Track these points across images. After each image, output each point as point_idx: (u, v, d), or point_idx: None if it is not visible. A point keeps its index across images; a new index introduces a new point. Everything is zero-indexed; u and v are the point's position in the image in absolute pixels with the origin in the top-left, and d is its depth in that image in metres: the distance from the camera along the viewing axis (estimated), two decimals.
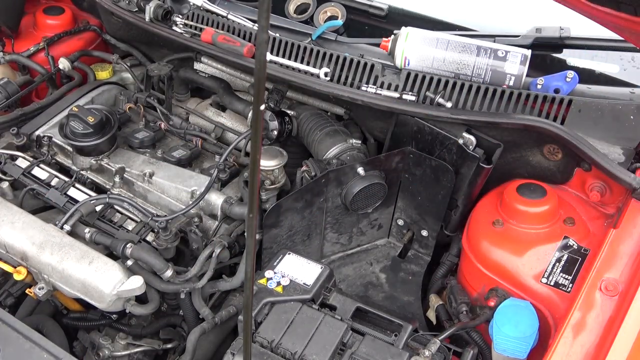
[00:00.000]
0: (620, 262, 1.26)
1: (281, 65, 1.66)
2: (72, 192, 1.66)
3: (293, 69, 1.64)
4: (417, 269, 1.71)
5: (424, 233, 1.69)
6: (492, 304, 1.37)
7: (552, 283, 1.33)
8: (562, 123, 1.43)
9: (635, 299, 1.17)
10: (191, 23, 1.80)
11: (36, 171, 1.70)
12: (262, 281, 1.36)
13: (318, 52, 1.65)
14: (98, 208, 1.60)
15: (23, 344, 1.30)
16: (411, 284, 1.68)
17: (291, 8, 1.93)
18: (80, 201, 1.57)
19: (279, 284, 1.35)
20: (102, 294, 1.42)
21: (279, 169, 1.63)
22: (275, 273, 1.38)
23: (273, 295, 1.33)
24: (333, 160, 1.62)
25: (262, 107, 0.72)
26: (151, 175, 1.69)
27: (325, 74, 1.61)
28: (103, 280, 1.41)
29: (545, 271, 1.34)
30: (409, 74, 1.56)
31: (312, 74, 1.63)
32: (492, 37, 1.66)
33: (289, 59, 1.67)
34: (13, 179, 1.69)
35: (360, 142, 1.68)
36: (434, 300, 1.55)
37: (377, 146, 1.79)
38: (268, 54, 1.66)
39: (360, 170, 1.56)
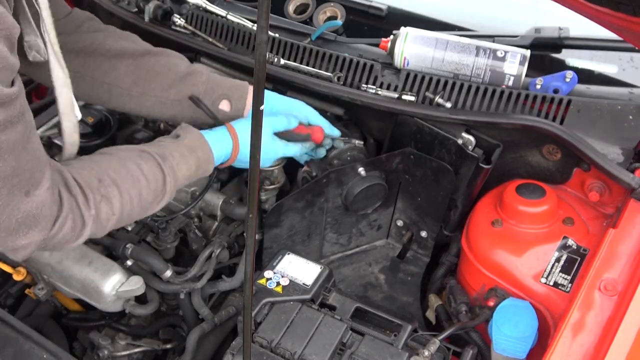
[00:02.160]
0: (619, 262, 1.26)
1: (294, 69, 1.65)
2: None
3: (299, 71, 1.64)
4: (416, 270, 1.72)
5: (423, 234, 1.70)
6: (491, 304, 1.37)
7: (551, 283, 1.33)
8: (561, 123, 1.43)
9: (635, 299, 1.17)
10: (190, 28, 1.80)
11: None
12: (262, 281, 1.36)
13: (317, 52, 1.65)
14: None
15: (23, 344, 1.31)
16: (410, 285, 1.68)
17: (290, 8, 1.93)
18: None
19: (278, 284, 1.35)
20: (101, 294, 1.42)
21: (278, 169, 1.63)
22: (274, 273, 1.38)
23: (272, 295, 1.33)
24: (334, 161, 1.62)
25: (262, 107, 0.72)
26: None
27: (338, 78, 1.61)
28: (102, 281, 1.42)
29: (545, 271, 1.34)
30: (408, 74, 1.56)
31: (311, 75, 1.64)
32: (491, 37, 1.66)
33: (288, 59, 1.67)
34: None
35: (362, 142, 1.68)
36: (433, 301, 1.55)
37: (377, 146, 1.79)
38: (280, 58, 1.66)
39: (361, 170, 1.56)
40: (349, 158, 1.64)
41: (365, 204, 1.64)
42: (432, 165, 1.54)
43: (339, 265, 1.74)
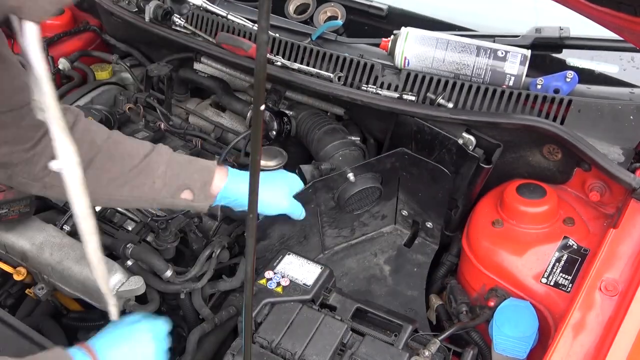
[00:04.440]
0: (619, 262, 1.26)
1: (295, 69, 1.65)
2: None
3: (299, 71, 1.64)
4: (424, 259, 1.68)
5: (429, 225, 1.68)
6: (491, 304, 1.37)
7: (551, 283, 1.33)
8: (561, 123, 1.43)
9: (635, 299, 1.17)
10: (190, 28, 1.80)
11: None
12: (262, 282, 1.36)
13: (318, 52, 1.65)
14: (98, 208, 1.60)
15: (23, 344, 1.31)
16: (416, 277, 1.65)
17: (291, 8, 1.93)
18: None
19: (278, 284, 1.35)
20: (102, 294, 1.41)
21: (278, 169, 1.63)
22: (275, 273, 1.38)
23: (273, 295, 1.33)
24: (322, 166, 1.59)
25: (262, 107, 0.72)
26: None
27: (339, 78, 1.60)
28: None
29: (545, 271, 1.34)
30: (408, 74, 1.56)
31: (311, 75, 1.64)
32: (491, 37, 1.66)
33: (289, 59, 1.67)
34: None
35: (359, 139, 1.67)
36: (434, 300, 1.55)
37: (377, 146, 1.79)
38: (280, 58, 1.66)
39: (350, 176, 1.53)
40: (340, 158, 1.63)
41: (359, 204, 1.62)
42: (428, 167, 1.53)
43: (344, 257, 1.71)
